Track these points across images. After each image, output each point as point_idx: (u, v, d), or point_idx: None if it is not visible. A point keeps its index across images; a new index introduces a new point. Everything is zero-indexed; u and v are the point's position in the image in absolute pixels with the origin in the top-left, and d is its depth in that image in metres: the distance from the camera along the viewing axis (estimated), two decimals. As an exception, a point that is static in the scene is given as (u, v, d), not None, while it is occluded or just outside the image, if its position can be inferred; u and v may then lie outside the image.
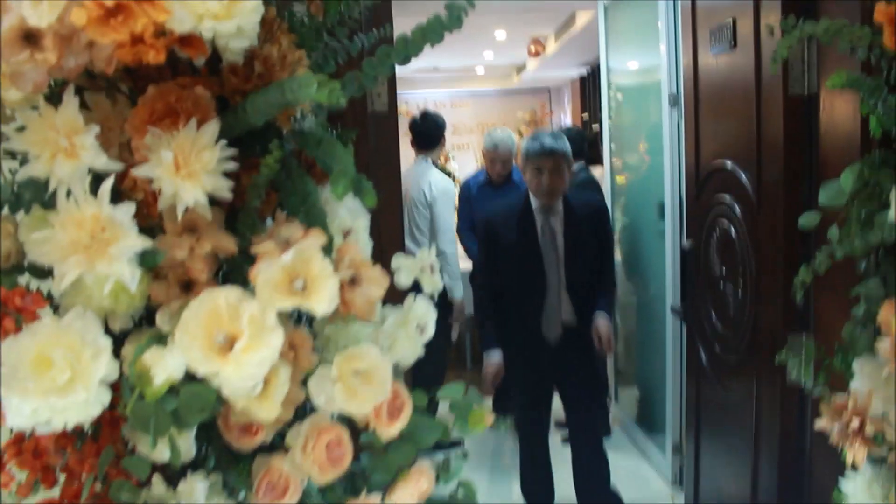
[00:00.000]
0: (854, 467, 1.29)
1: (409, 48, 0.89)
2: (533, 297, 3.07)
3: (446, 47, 7.01)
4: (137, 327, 0.93)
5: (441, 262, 4.05)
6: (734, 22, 2.17)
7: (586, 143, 4.52)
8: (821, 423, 1.30)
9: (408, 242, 4.11)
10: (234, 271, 0.95)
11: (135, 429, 0.86)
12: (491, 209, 3.23)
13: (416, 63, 1.50)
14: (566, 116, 11.22)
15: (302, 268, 0.77)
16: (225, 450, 0.95)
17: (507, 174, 4.42)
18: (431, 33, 0.87)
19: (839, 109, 1.74)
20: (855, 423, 1.23)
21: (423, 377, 3.71)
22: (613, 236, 3.27)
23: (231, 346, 0.71)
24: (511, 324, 3.13)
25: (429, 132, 4.34)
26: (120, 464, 0.91)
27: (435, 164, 4.41)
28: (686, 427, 3.03)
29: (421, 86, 10.95)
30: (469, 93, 11.74)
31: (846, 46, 1.20)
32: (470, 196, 4.54)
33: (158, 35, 0.78)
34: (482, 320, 3.24)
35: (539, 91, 11.81)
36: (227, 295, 0.73)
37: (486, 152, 4.41)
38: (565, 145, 3.02)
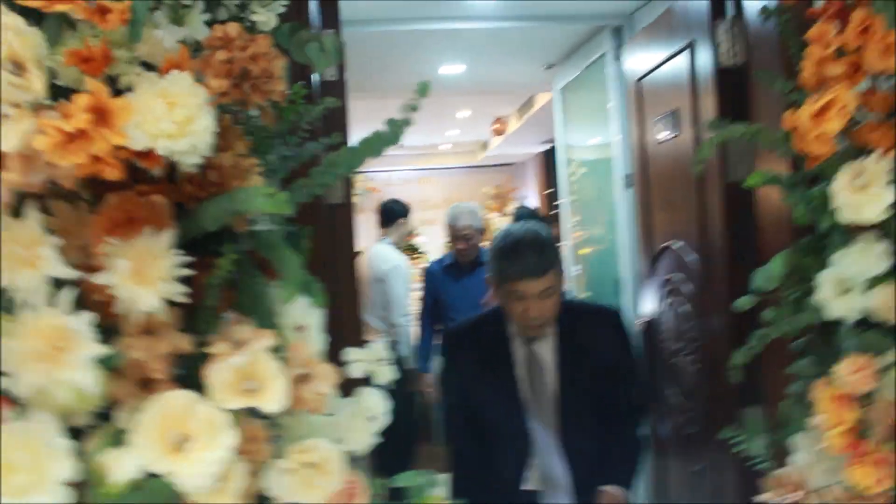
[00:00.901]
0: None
1: (354, 159, 0.96)
2: (515, 464, 2.03)
3: (412, 126, 7.18)
4: (100, 421, 0.97)
5: (395, 333, 4.26)
6: (676, 112, 2.29)
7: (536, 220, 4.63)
8: (764, 497, 1.35)
9: (368, 315, 4.27)
10: (192, 366, 0.99)
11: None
12: (457, 323, 2.33)
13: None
14: (530, 191, 11.44)
15: (253, 369, 0.81)
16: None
17: (474, 255, 4.03)
18: (374, 146, 0.94)
19: (774, 195, 1.85)
20: (794, 497, 1.28)
21: (390, 451, 3.71)
22: (638, 360, 2.19)
23: (185, 446, 0.75)
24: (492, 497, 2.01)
25: (388, 212, 4.65)
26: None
27: (394, 243, 4.60)
28: (646, 498, 3.05)
29: (387, 163, 11.14)
30: (435, 169, 11.95)
31: (766, 146, 1.29)
32: (435, 281, 4.22)
33: (117, 149, 0.84)
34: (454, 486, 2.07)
35: (504, 167, 12.07)
36: (181, 397, 0.78)
37: (449, 227, 4.10)
38: (557, 254, 1.99)
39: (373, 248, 4.58)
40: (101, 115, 0.78)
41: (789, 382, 1.52)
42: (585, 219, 4.50)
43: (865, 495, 1.17)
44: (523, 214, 5.21)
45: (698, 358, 2.30)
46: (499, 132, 8.59)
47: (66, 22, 0.93)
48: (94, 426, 0.94)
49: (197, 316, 0.99)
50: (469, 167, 11.95)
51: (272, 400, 0.81)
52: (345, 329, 1.75)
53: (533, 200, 10.98)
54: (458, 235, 4.03)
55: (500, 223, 9.37)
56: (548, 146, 9.79)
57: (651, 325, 2.67)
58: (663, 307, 2.54)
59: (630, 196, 3.57)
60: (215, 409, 0.77)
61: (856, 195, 1.14)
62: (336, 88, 1.71)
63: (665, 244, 2.49)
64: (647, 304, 2.74)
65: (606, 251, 4.08)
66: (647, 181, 2.67)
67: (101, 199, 0.94)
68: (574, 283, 4.59)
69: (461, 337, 2.21)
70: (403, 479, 1.17)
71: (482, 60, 4.50)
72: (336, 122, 1.60)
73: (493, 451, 2.04)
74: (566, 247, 4.82)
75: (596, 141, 4.24)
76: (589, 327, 2.06)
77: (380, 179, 11.71)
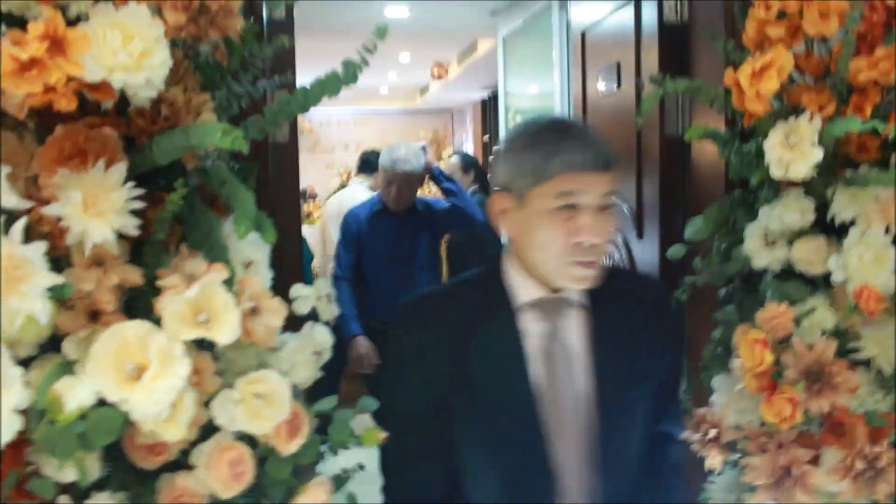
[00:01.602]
0: (713, 472, 1.43)
1: (309, 98, 0.97)
2: None
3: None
4: (42, 353, 0.97)
5: None
6: (619, 65, 2.33)
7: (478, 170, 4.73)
8: (685, 434, 1.44)
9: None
10: (138, 300, 1.00)
11: (42, 452, 0.90)
12: (419, 293, 1.50)
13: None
14: (468, 137, 11.46)
15: (206, 302, 0.83)
16: (129, 469, 1.00)
17: (410, 203, 3.44)
18: (329, 86, 0.95)
19: (708, 149, 1.92)
20: (712, 433, 1.37)
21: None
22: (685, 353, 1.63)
23: (140, 375, 0.77)
24: None
25: (367, 162, 4.67)
26: (24, 486, 0.95)
27: (369, 188, 4.65)
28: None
29: (325, 102, 10.96)
30: (373, 111, 11.86)
31: (706, 102, 1.35)
32: (359, 230, 3.48)
33: (69, 80, 0.83)
34: None
35: (442, 112, 12.04)
36: (136, 328, 0.79)
37: (384, 170, 3.39)
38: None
39: (350, 188, 4.79)
40: (56, 45, 0.77)
41: (710, 329, 1.60)
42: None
43: (775, 431, 1.26)
44: (467, 161, 5.20)
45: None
46: (439, 77, 8.54)
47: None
48: (38, 357, 0.96)
49: (144, 250, 0.99)
50: (407, 111, 11.90)
51: (224, 332, 0.83)
52: (286, 268, 1.76)
53: (469, 147, 11.00)
54: (395, 181, 3.34)
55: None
56: (487, 93, 9.79)
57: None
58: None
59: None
60: (170, 339, 0.79)
61: (786, 152, 1.20)
62: (284, 27, 1.70)
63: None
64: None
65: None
66: (587, 132, 2.72)
67: (47, 130, 0.94)
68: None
69: (429, 311, 1.37)
70: (323, 405, 1.16)
71: (427, 3, 4.46)
72: (284, 60, 1.59)
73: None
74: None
75: (537, 90, 4.28)
76: (633, 304, 1.38)
77: (317, 119, 11.57)
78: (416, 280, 3.41)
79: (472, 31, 5.69)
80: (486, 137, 10.04)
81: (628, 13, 2.24)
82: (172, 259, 1.01)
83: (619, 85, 2.35)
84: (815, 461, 1.21)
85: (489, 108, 9.91)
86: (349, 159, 12.02)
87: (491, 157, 6.18)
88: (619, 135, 2.36)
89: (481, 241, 4.10)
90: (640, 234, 2.24)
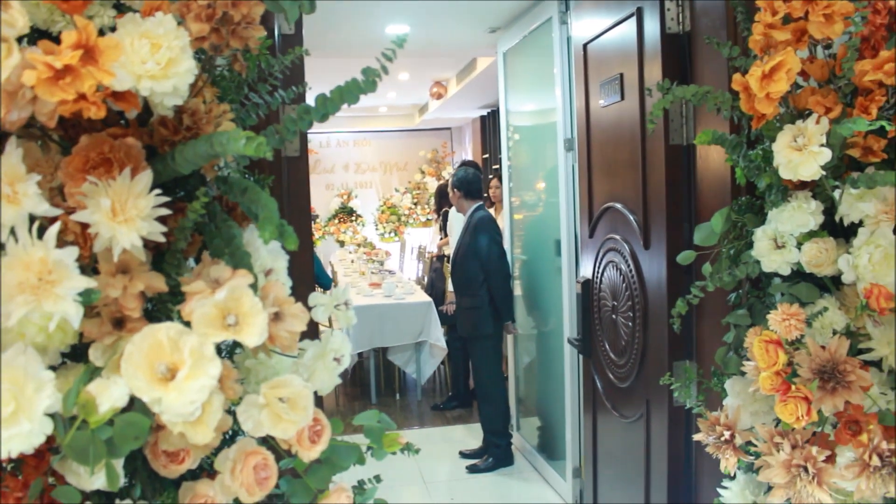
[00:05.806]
0: (728, 475, 1.44)
1: (328, 106, 0.99)
2: None
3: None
4: (63, 362, 0.98)
5: None
6: (622, 76, 2.36)
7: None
8: (698, 436, 1.45)
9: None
10: (158, 308, 1.02)
11: (69, 459, 0.91)
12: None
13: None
14: (467, 155, 11.50)
15: (233, 305, 0.84)
16: (150, 477, 1.01)
17: None
18: (348, 94, 0.97)
19: (713, 158, 1.94)
20: (726, 435, 1.38)
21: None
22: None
23: (172, 375, 0.78)
24: None
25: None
26: (47, 495, 0.95)
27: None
28: (584, 451, 3.17)
29: (325, 124, 11.04)
30: (372, 132, 11.92)
31: (713, 107, 1.37)
32: None
33: (98, 89, 0.85)
34: None
35: (441, 131, 12.09)
36: (168, 329, 0.80)
37: None
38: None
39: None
40: (88, 53, 0.79)
41: (720, 335, 1.61)
42: (526, 181, 4.58)
43: (790, 431, 1.27)
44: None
45: (634, 315, 2.40)
46: (438, 96, 8.59)
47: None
48: (60, 367, 0.97)
49: (165, 258, 1.01)
50: (406, 130, 11.95)
51: (252, 334, 0.84)
52: (298, 279, 1.78)
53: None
54: None
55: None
56: (486, 111, 9.84)
57: (589, 284, 2.76)
58: (602, 266, 2.63)
59: (569, 159, 3.66)
60: (202, 340, 0.80)
61: (795, 154, 1.22)
62: (294, 42, 1.72)
63: (606, 205, 2.58)
64: (586, 264, 2.83)
65: (546, 213, 4.17)
66: (590, 144, 2.74)
67: (70, 141, 0.95)
68: (515, 245, 4.69)
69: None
70: (363, 419, 1.22)
71: (427, 22, 4.50)
72: (294, 74, 1.61)
73: None
74: (504, 209, 4.90)
75: (538, 105, 4.31)
76: None
77: (317, 140, 11.63)
78: None
79: (472, 48, 5.73)
80: (486, 155, 10.08)
81: (630, 26, 2.26)
82: (192, 268, 1.02)
83: (622, 97, 2.37)
84: (830, 460, 1.22)
85: (488, 125, 9.96)
86: (349, 180, 12.08)
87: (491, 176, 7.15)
88: (625, 146, 2.38)
89: None
90: (646, 245, 2.26)
